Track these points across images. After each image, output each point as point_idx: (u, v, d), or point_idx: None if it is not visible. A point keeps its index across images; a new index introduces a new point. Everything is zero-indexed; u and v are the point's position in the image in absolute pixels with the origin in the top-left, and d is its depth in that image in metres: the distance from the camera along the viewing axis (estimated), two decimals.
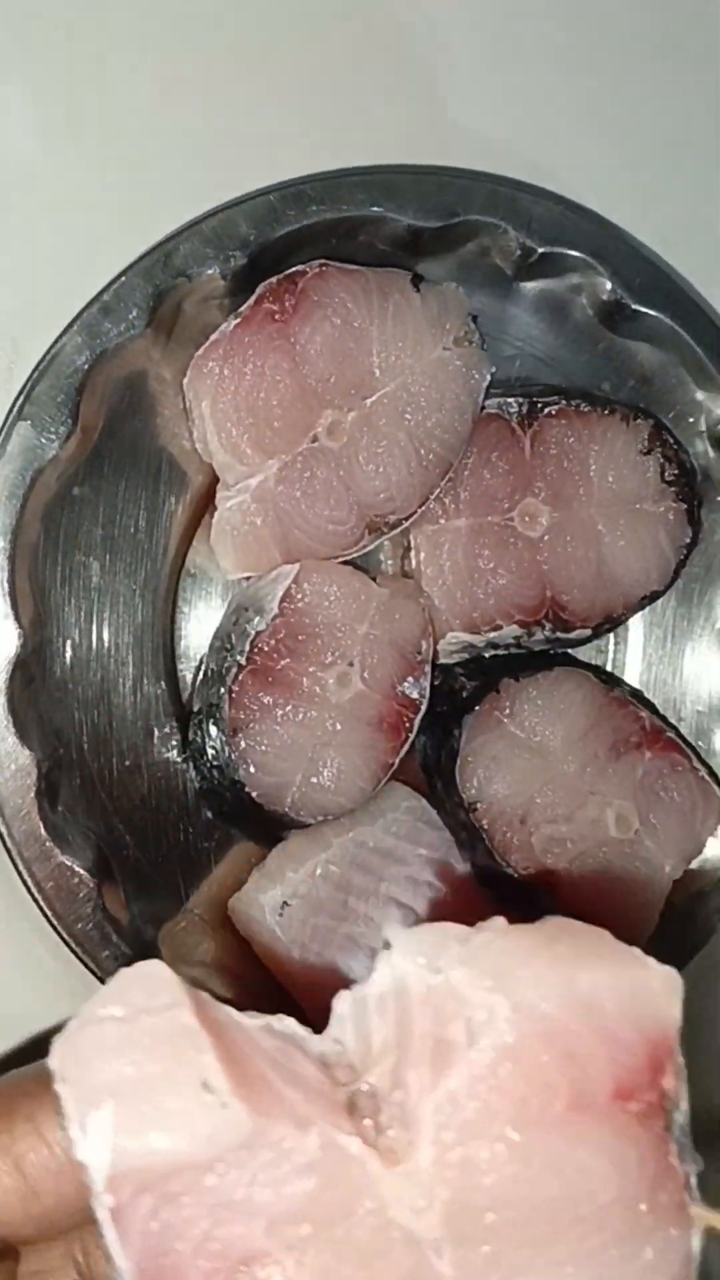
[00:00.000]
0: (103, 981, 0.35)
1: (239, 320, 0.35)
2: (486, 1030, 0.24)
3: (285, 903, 0.36)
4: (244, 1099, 0.23)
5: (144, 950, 0.36)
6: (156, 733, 0.38)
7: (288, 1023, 0.25)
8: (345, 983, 0.36)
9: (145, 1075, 0.22)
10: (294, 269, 0.35)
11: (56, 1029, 0.23)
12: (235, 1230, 0.23)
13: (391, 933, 0.24)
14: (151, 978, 0.23)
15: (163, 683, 0.38)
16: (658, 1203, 0.25)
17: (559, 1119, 0.24)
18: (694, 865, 0.40)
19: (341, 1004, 0.25)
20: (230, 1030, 0.24)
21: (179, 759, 0.38)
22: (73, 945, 0.35)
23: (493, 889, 0.38)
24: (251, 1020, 0.25)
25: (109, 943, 0.35)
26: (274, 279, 0.35)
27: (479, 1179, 0.24)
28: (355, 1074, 0.25)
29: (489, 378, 0.37)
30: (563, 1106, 0.24)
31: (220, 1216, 0.23)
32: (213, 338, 0.35)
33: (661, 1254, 0.25)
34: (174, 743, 0.38)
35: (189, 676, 0.39)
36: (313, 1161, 0.23)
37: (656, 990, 0.25)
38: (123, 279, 0.35)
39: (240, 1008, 0.25)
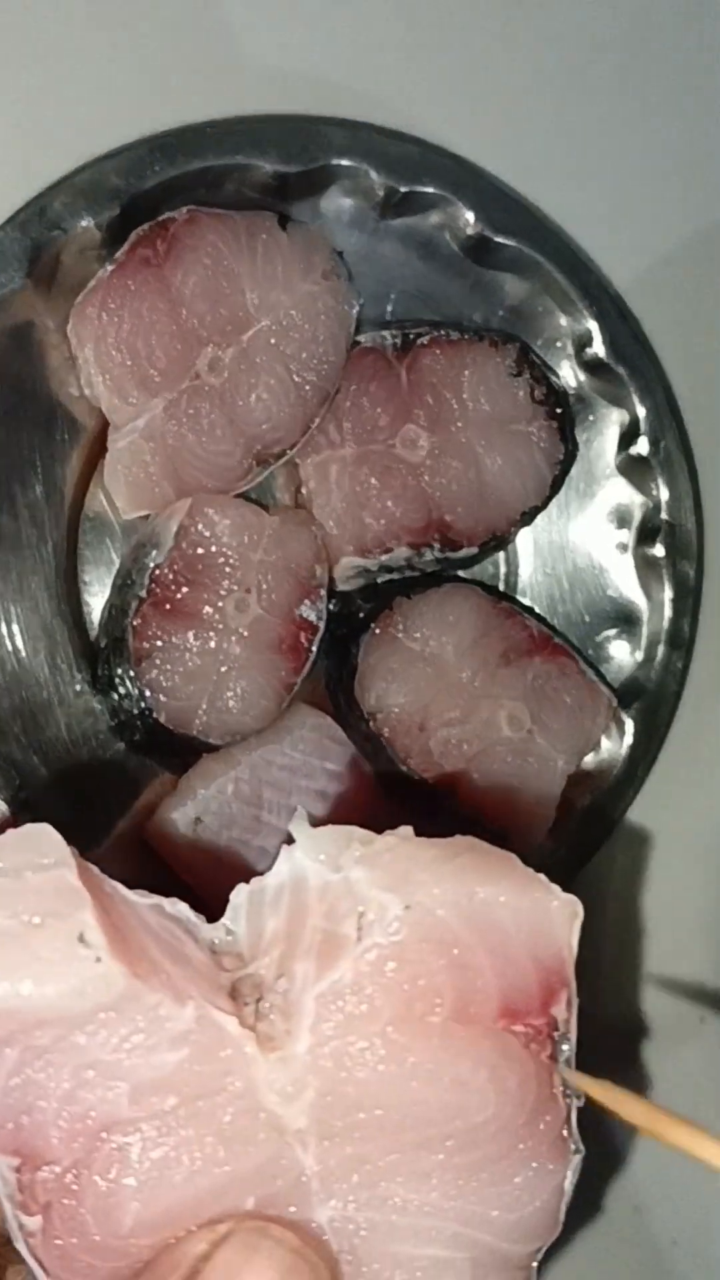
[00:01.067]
0: None
1: (115, 267, 0.37)
2: (377, 928, 0.24)
3: (199, 819, 0.38)
4: (121, 959, 0.23)
5: None
6: (66, 671, 0.39)
7: (180, 907, 0.25)
8: None
9: (22, 925, 0.23)
10: (165, 216, 0.37)
11: None
12: (99, 1094, 0.23)
13: (297, 828, 0.25)
14: (40, 838, 0.24)
15: (70, 622, 0.40)
16: (535, 1131, 0.24)
17: (441, 1028, 0.24)
18: (591, 765, 0.42)
19: (238, 895, 0.25)
20: (116, 901, 0.25)
21: (91, 694, 0.40)
22: None
23: (399, 800, 0.40)
24: (141, 899, 0.25)
25: None
26: (146, 226, 0.37)
27: (352, 1073, 0.24)
28: (242, 963, 0.25)
29: (357, 308, 0.39)
30: (446, 1015, 0.24)
31: (85, 1078, 0.23)
32: (91, 284, 0.37)
33: (531, 1184, 0.24)
34: (84, 678, 0.40)
35: (95, 617, 0.41)
36: (186, 1032, 0.23)
37: (555, 915, 0.25)
38: (0, 234, 0.37)
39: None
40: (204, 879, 0.38)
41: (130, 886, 0.38)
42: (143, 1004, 0.23)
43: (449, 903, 0.24)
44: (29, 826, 0.24)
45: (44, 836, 0.24)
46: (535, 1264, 0.25)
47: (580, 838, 0.42)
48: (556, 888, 0.25)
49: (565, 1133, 0.25)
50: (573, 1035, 0.25)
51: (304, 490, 0.40)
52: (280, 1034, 0.24)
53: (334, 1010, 0.24)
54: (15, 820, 0.36)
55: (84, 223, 0.37)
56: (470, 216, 0.40)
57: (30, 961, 0.23)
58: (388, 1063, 0.24)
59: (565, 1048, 0.25)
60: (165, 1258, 0.22)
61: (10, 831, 0.24)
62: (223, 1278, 0.22)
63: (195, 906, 0.38)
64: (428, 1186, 0.24)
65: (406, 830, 0.26)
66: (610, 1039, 0.43)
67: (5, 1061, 0.23)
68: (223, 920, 0.26)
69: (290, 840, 0.26)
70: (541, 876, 0.25)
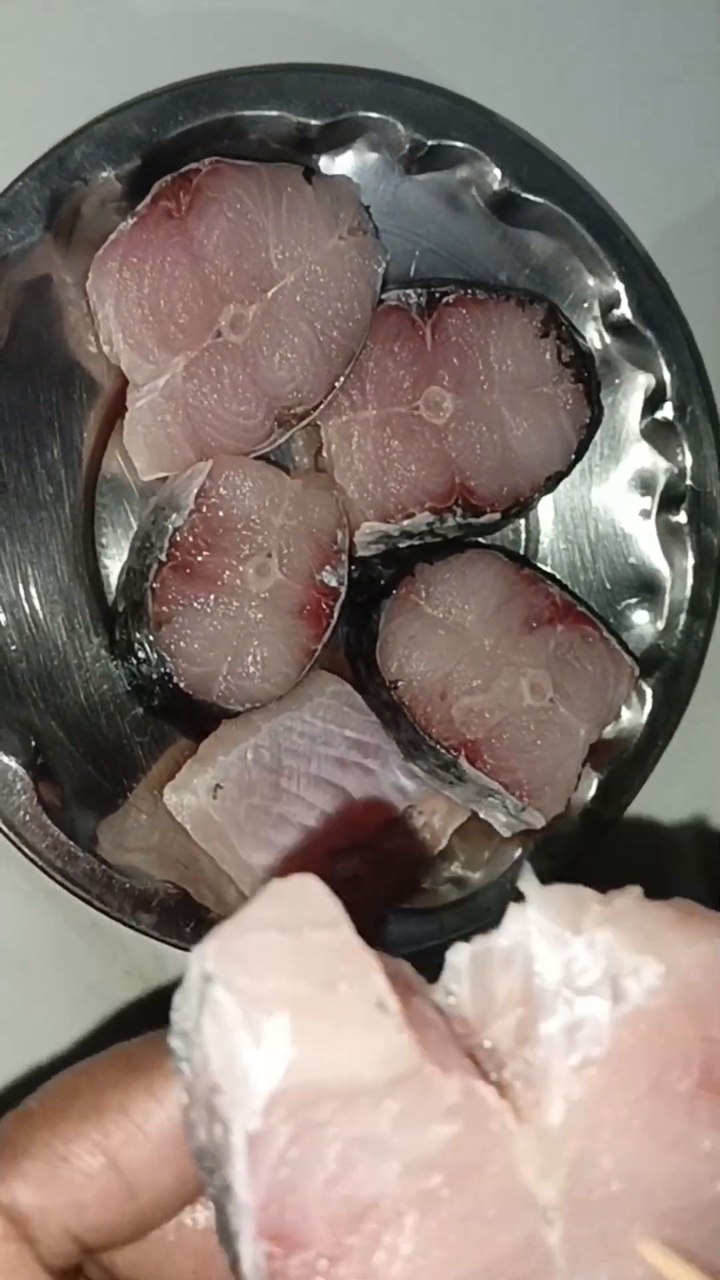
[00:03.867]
0: (45, 872, 0.36)
1: (136, 220, 0.36)
2: (634, 991, 0.23)
3: (218, 785, 0.37)
4: (412, 1027, 0.21)
5: (84, 842, 0.37)
6: (84, 635, 0.39)
7: (404, 966, 0.23)
8: (280, 860, 0.38)
9: (319, 989, 0.21)
10: (188, 167, 0.36)
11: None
12: (368, 1173, 0.21)
13: (527, 886, 0.23)
14: (310, 891, 0.21)
15: (87, 585, 0.39)
16: None
17: (689, 1095, 0.23)
18: (611, 734, 0.42)
19: (458, 955, 0.23)
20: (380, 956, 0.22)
21: (109, 659, 0.39)
22: (11, 836, 0.36)
23: (418, 765, 0.40)
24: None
25: (47, 833, 0.36)
26: (168, 177, 0.36)
27: (605, 1146, 0.22)
28: (472, 1028, 0.23)
29: (384, 265, 0.38)
30: (694, 1082, 0.23)
31: (354, 1156, 0.21)
32: (112, 238, 0.36)
33: None
34: (101, 643, 0.39)
35: (113, 580, 0.40)
36: (455, 1106, 0.22)
37: None
38: (19, 184, 0.36)
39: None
40: (224, 850, 0.37)
41: (150, 847, 0.38)
42: (421, 1075, 0.21)
43: (704, 965, 0.23)
44: (296, 878, 0.21)
45: (313, 889, 0.22)
46: None
47: (600, 806, 0.41)
48: None
49: None
50: None
51: (325, 453, 0.40)
52: (529, 1105, 0.23)
53: (587, 1078, 0.23)
54: (36, 785, 0.36)
55: (104, 173, 0.36)
56: (498, 172, 0.39)
57: (333, 1030, 0.21)
58: (642, 1135, 0.23)
59: None
60: None
61: (274, 882, 0.21)
62: None
63: (216, 872, 0.38)
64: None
65: (636, 890, 0.24)
66: None
67: (280, 1136, 0.21)
68: (442, 982, 0.23)
69: (517, 895, 0.24)
70: None
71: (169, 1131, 0.21)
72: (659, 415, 0.42)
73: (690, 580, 0.42)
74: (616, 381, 0.42)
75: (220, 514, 0.37)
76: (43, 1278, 0.21)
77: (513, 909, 0.22)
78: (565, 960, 0.23)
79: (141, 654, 0.38)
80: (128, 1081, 0.22)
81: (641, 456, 0.43)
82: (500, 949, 0.23)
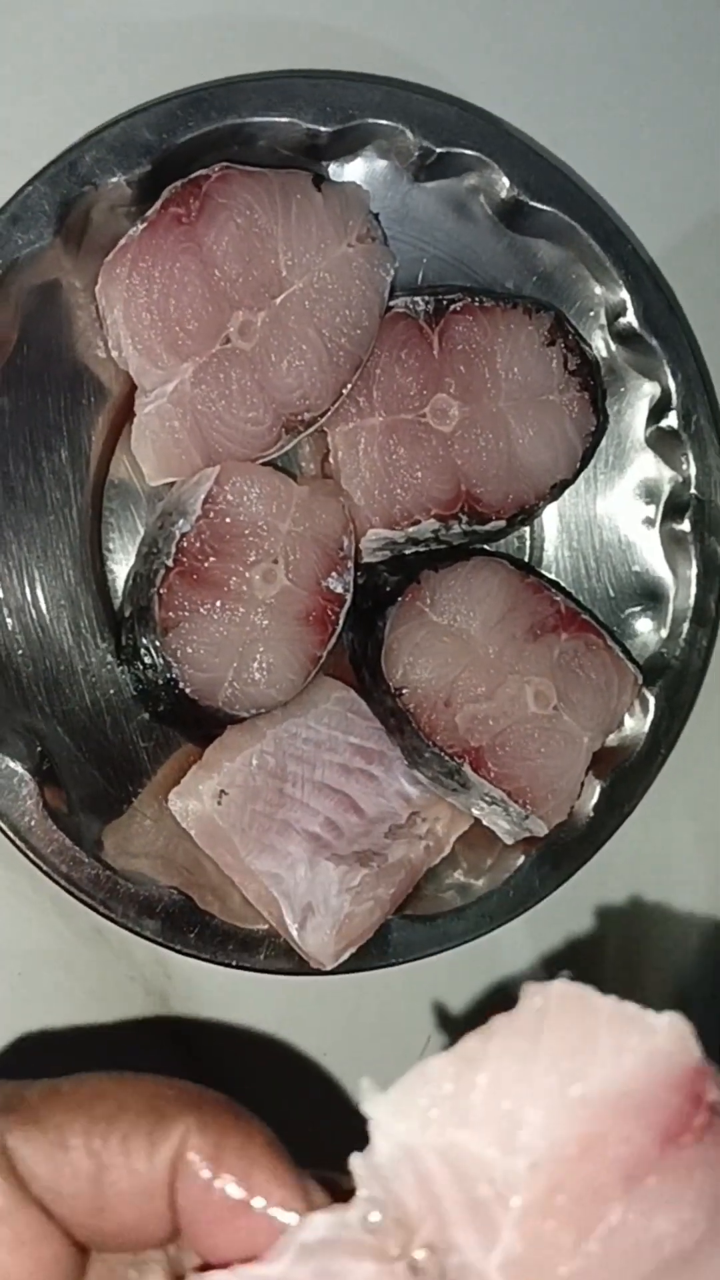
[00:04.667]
0: (49, 876, 0.36)
1: (146, 225, 0.36)
2: (513, 1183, 0.23)
3: (223, 791, 0.37)
4: None
5: (89, 847, 0.37)
6: (90, 639, 0.39)
7: (316, 1222, 0.23)
8: (283, 866, 0.37)
9: None
10: (197, 173, 0.36)
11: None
12: None
13: (368, 1105, 0.23)
14: None
15: (94, 590, 0.39)
16: None
17: (622, 1199, 0.23)
18: (614, 743, 0.42)
19: (357, 1166, 0.23)
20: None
21: (114, 664, 0.39)
22: (16, 841, 0.36)
23: (422, 772, 0.40)
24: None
25: (52, 837, 0.36)
26: (178, 183, 0.36)
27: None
28: (407, 1234, 0.23)
29: (393, 272, 0.38)
30: (620, 1190, 0.23)
31: None
32: (121, 243, 0.36)
33: None
34: (107, 648, 0.39)
35: (119, 585, 0.40)
36: None
37: (669, 1048, 0.23)
38: (29, 189, 0.36)
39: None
40: (228, 855, 0.37)
41: (154, 852, 0.38)
42: None
43: (567, 1119, 0.23)
44: None
45: None
46: None
47: (601, 815, 0.41)
48: (650, 1014, 0.23)
49: None
50: None
51: (331, 460, 0.40)
52: None
53: (520, 1260, 0.23)
54: (40, 786, 0.36)
55: (115, 179, 0.36)
56: (506, 180, 0.40)
57: None
58: (593, 1269, 0.23)
59: None
60: None
61: None
62: None
63: (219, 877, 0.38)
64: None
65: (471, 1043, 0.23)
66: None
67: None
68: (360, 1193, 0.23)
69: (366, 1117, 0.23)
70: (630, 1009, 0.23)
71: (148, 1181, 0.23)
72: (664, 424, 0.42)
73: (694, 589, 0.42)
74: (622, 390, 0.42)
75: (227, 520, 0.37)
76: (37, 1212, 0.23)
77: (371, 1124, 0.22)
78: (444, 1166, 0.23)
79: (147, 659, 0.38)
80: (141, 1116, 0.23)
81: (646, 465, 0.43)
82: (385, 1164, 0.23)
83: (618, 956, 0.43)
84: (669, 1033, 0.23)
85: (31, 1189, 0.23)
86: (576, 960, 0.43)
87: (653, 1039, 0.23)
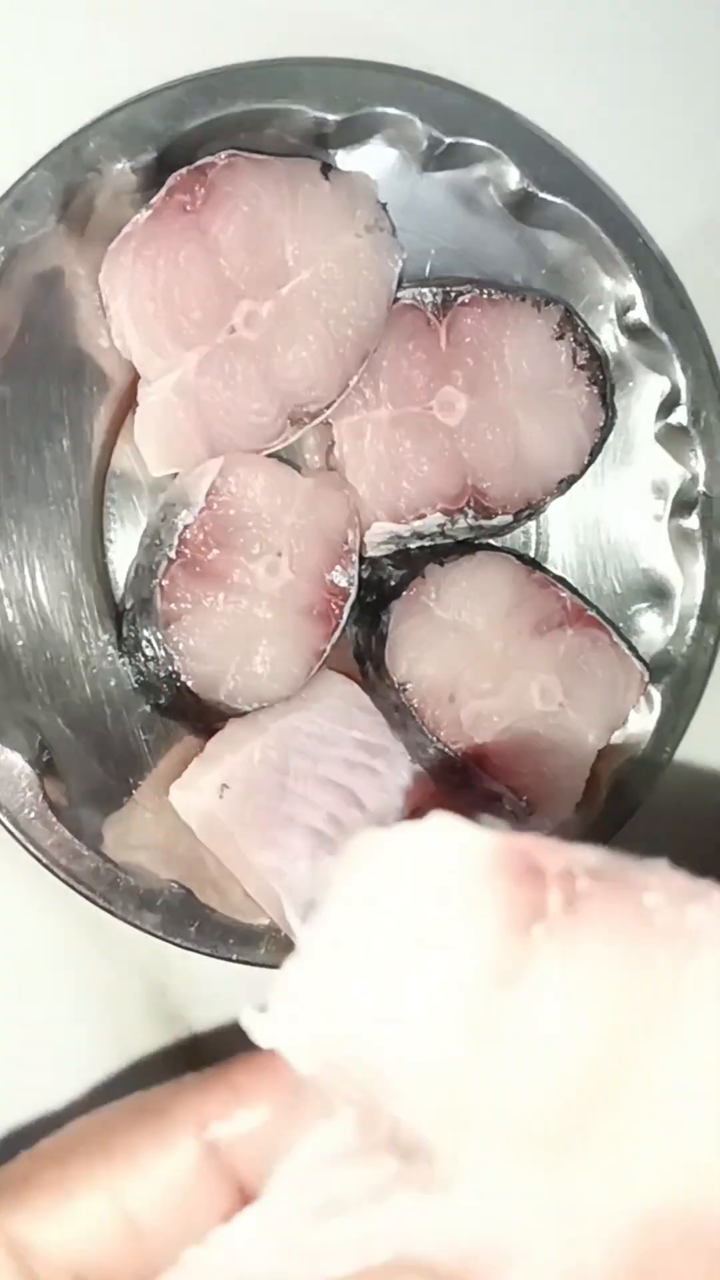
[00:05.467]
0: (49, 869, 0.36)
1: (151, 212, 0.35)
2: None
3: (225, 785, 0.37)
4: None
5: (89, 840, 0.36)
6: (91, 631, 0.38)
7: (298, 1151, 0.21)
8: (285, 861, 0.37)
9: None
10: (203, 160, 0.36)
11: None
12: None
13: (258, 1032, 0.21)
14: None
15: (95, 581, 0.39)
16: None
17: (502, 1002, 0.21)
18: (619, 740, 0.42)
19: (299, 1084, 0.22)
20: None
21: (115, 655, 0.39)
22: (15, 833, 0.35)
23: (425, 767, 0.39)
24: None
25: (52, 830, 0.35)
26: (183, 170, 0.35)
27: None
28: (375, 1122, 0.22)
29: (401, 263, 0.37)
30: (498, 992, 0.21)
31: None
32: (125, 230, 0.35)
33: None
34: (108, 639, 0.39)
35: (121, 576, 0.40)
36: None
37: (473, 844, 0.22)
38: (32, 175, 0.35)
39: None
40: (229, 849, 0.37)
41: (155, 845, 0.38)
42: None
43: (418, 968, 0.21)
44: None
45: None
46: None
47: (607, 813, 0.41)
48: (438, 828, 0.22)
49: None
50: None
51: (336, 452, 0.39)
52: None
53: None
54: (41, 782, 0.36)
55: (119, 165, 0.36)
56: (516, 172, 0.39)
57: None
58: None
59: None
60: None
61: None
62: None
63: (221, 871, 0.38)
64: None
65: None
66: None
67: None
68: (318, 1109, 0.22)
69: None
70: (422, 834, 0.22)
71: (177, 1179, 0.22)
72: (673, 420, 0.42)
73: (701, 586, 0.42)
74: (631, 385, 0.42)
75: (231, 512, 0.37)
76: None
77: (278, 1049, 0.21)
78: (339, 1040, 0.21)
79: (149, 651, 0.37)
80: (138, 1127, 0.22)
81: (654, 461, 0.43)
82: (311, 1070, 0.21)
83: None
84: (464, 831, 0.22)
85: (57, 1256, 0.21)
86: None
87: (458, 845, 0.21)
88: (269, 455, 0.38)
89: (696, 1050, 0.20)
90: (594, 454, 0.41)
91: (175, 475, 0.38)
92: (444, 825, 0.21)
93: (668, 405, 0.42)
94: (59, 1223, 0.21)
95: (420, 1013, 0.20)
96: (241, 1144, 0.22)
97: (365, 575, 0.40)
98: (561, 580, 0.42)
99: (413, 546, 0.40)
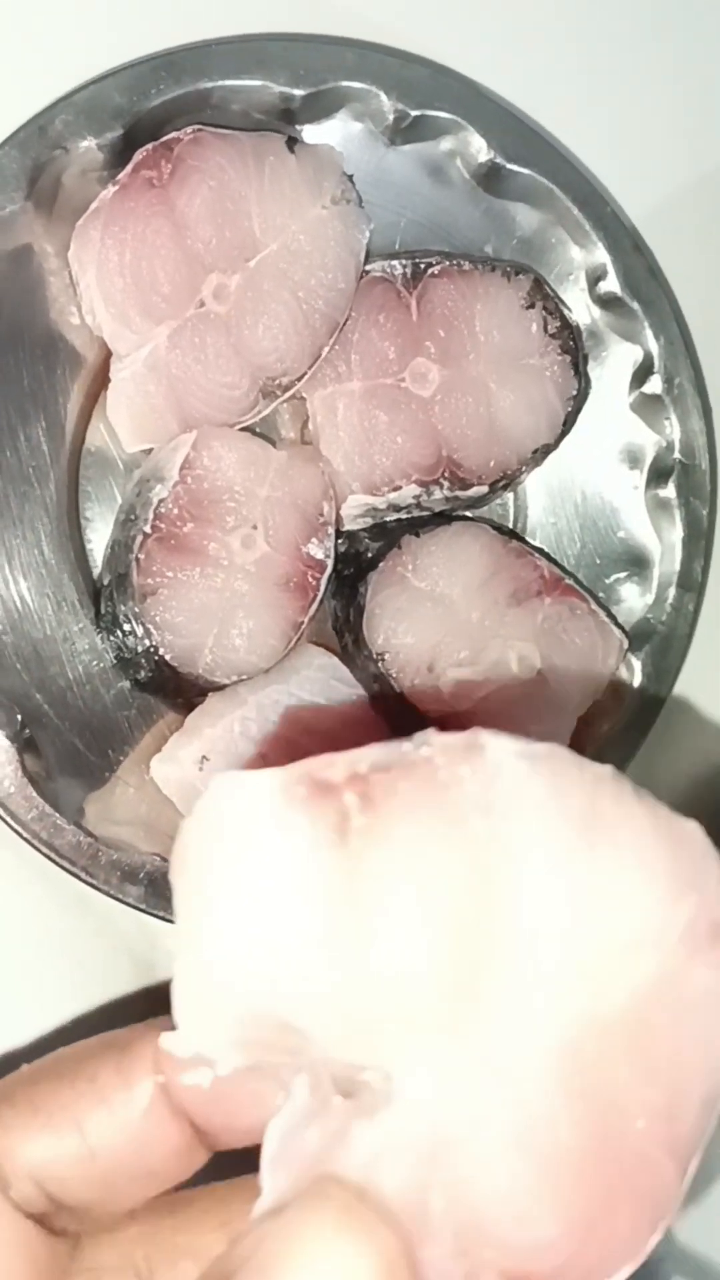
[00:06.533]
0: (31, 844, 0.36)
1: (118, 188, 0.36)
2: None
3: (205, 757, 0.37)
4: None
5: (70, 815, 0.37)
6: (69, 609, 0.39)
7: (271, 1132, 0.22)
8: None
9: None
10: (169, 135, 0.36)
11: None
12: None
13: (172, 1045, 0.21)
14: None
15: (73, 560, 0.39)
16: None
17: None
18: (600, 708, 0.42)
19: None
20: None
21: (94, 633, 0.39)
22: None
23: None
24: None
25: (33, 804, 0.36)
26: (150, 146, 0.36)
27: None
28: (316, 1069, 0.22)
29: (368, 234, 0.37)
30: None
31: None
32: (93, 206, 0.36)
33: None
34: (86, 615, 0.39)
35: (99, 555, 0.40)
36: None
37: None
38: None
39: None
40: None
41: (137, 819, 0.38)
42: None
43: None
44: None
45: None
46: None
47: None
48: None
49: None
50: None
51: (311, 426, 0.39)
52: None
53: None
54: (21, 757, 0.36)
55: (85, 142, 0.36)
56: (483, 143, 0.39)
57: None
58: None
59: None
60: None
61: None
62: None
63: None
64: None
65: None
66: None
67: None
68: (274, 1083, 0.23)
69: None
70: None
71: (134, 1114, 0.23)
72: (647, 389, 0.42)
73: (679, 554, 0.42)
74: (604, 355, 0.42)
75: (205, 485, 0.37)
76: (12, 1214, 0.22)
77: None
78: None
79: (127, 627, 0.37)
80: (103, 1056, 0.24)
81: (630, 430, 0.43)
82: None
83: None
84: (246, 781, 0.22)
85: (25, 1186, 0.22)
86: None
87: (249, 796, 0.22)
88: (243, 430, 0.38)
89: (537, 881, 0.21)
90: (568, 423, 0.41)
91: (150, 451, 0.38)
92: (225, 784, 0.21)
93: (641, 374, 0.42)
94: (26, 1135, 0.22)
95: (291, 956, 0.21)
96: (190, 1091, 0.22)
97: (342, 549, 0.40)
98: (539, 550, 0.42)
99: (389, 519, 0.41)
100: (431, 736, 0.22)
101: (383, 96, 0.38)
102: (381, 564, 0.39)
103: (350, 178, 0.38)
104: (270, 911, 0.21)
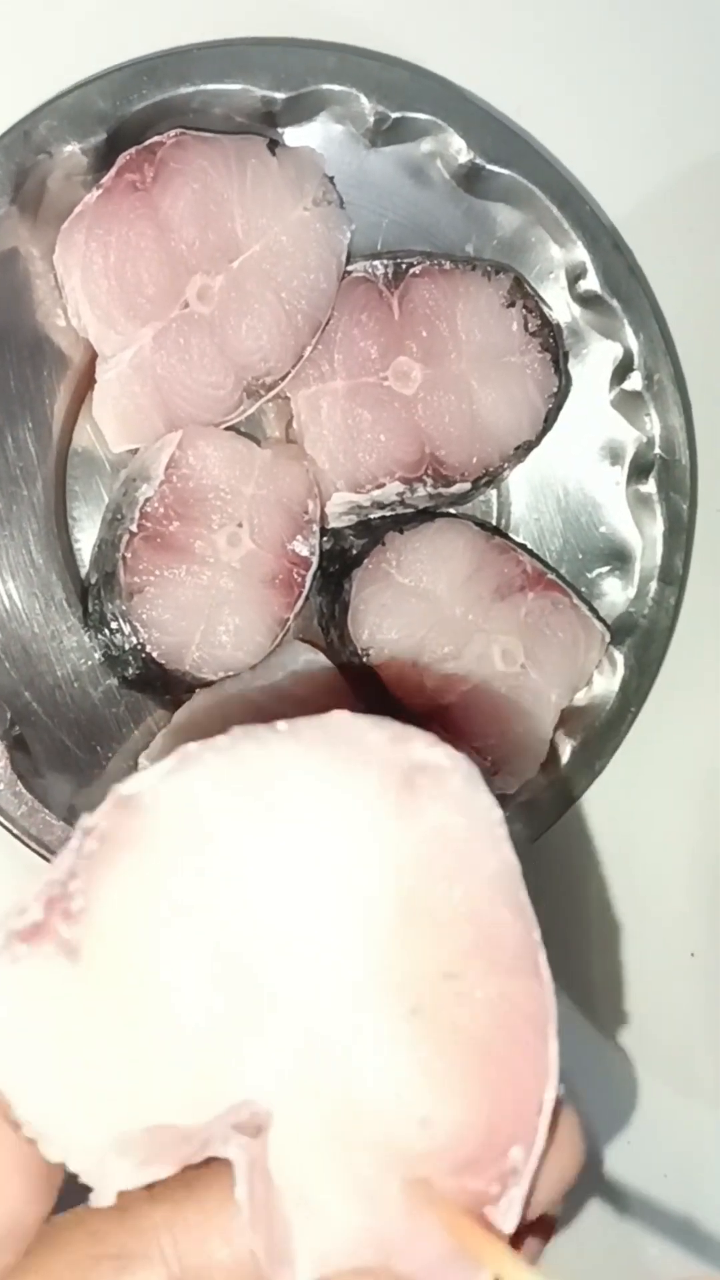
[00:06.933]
0: (20, 840, 0.37)
1: (102, 191, 0.36)
2: None
3: None
4: None
5: (60, 812, 0.37)
6: (57, 608, 0.39)
7: None
8: None
9: None
10: (152, 139, 0.36)
11: None
12: None
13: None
14: None
15: (61, 559, 0.39)
16: None
17: None
18: (583, 701, 0.42)
19: None
20: None
21: (82, 631, 0.39)
22: None
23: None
24: None
25: (22, 801, 0.36)
26: (133, 150, 0.36)
27: None
28: None
29: (349, 235, 0.38)
30: None
31: None
32: (77, 209, 0.36)
33: None
34: (75, 613, 0.39)
35: (86, 554, 0.40)
36: None
37: None
38: None
39: None
40: None
41: None
42: None
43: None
44: None
45: None
46: None
47: (572, 773, 0.42)
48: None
49: None
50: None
51: (295, 424, 0.40)
52: None
53: None
54: (11, 755, 0.36)
55: (70, 147, 0.36)
56: (463, 144, 0.40)
57: None
58: None
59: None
60: None
61: None
62: None
63: None
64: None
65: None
66: (600, 974, 0.43)
67: None
68: None
69: None
70: None
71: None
72: (627, 385, 0.42)
73: (660, 548, 0.43)
74: (584, 352, 0.43)
75: (190, 484, 0.38)
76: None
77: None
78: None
79: (114, 625, 0.38)
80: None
81: (611, 426, 0.43)
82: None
83: (591, 913, 0.44)
84: None
85: None
86: (549, 917, 0.43)
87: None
88: (228, 429, 0.39)
89: (256, 868, 0.23)
90: (549, 420, 0.41)
91: (136, 451, 0.39)
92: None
93: (621, 371, 0.42)
94: None
95: (93, 1084, 0.23)
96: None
97: (328, 546, 0.40)
98: (522, 546, 0.43)
99: (374, 516, 0.41)
100: (85, 820, 0.23)
101: (363, 99, 0.39)
102: (366, 560, 0.39)
103: (331, 179, 0.38)
104: (55, 1060, 0.22)
